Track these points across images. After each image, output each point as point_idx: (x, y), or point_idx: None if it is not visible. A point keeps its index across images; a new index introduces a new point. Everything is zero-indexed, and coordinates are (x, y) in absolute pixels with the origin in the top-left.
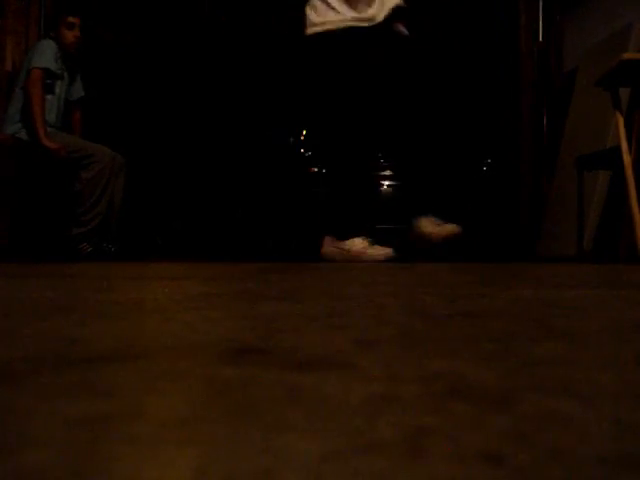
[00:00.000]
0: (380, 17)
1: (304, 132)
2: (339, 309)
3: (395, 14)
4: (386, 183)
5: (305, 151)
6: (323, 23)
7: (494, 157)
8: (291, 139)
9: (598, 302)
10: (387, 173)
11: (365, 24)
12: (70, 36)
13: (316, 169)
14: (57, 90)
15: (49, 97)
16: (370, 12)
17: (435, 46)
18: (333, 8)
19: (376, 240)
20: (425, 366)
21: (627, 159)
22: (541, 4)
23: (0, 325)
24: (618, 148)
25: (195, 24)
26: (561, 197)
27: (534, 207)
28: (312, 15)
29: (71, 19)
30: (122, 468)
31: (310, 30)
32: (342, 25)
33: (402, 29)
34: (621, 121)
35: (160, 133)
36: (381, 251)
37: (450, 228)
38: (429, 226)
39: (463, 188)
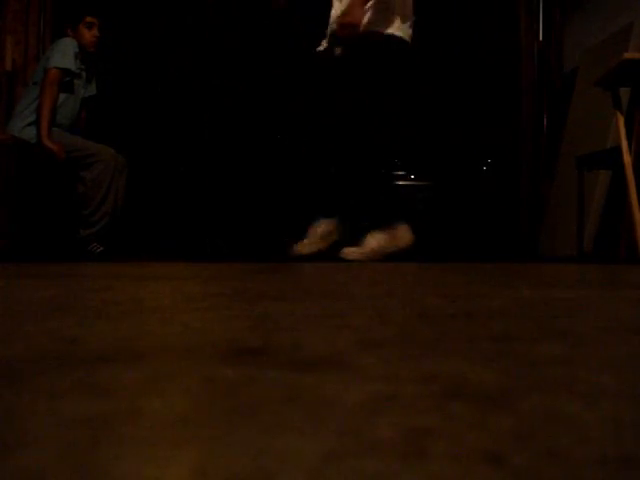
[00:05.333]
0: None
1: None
2: (339, 309)
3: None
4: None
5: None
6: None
7: (494, 157)
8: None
9: (598, 302)
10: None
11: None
12: (89, 35)
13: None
14: (75, 89)
15: (69, 97)
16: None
17: (435, 46)
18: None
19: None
20: (425, 366)
21: (627, 159)
22: (541, 4)
23: (0, 325)
24: (618, 148)
25: (198, 25)
26: (561, 197)
27: (534, 207)
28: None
29: (90, 19)
30: (122, 468)
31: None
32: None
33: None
34: (621, 121)
35: (161, 134)
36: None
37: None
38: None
39: (463, 188)
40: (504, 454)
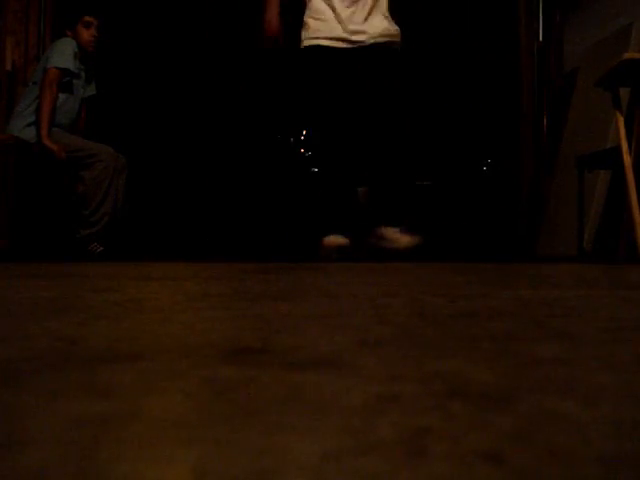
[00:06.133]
0: (366, 40)
1: (304, 132)
2: (339, 309)
3: (387, 51)
4: None
5: (305, 151)
6: (314, 38)
7: (494, 157)
8: (291, 139)
9: (598, 302)
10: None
11: (349, 45)
12: (87, 35)
13: (316, 169)
14: (75, 89)
15: (68, 97)
16: (358, 34)
17: (435, 46)
18: (324, 20)
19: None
20: (425, 366)
21: (627, 159)
22: (541, 4)
23: (0, 325)
24: (618, 148)
25: (197, 25)
26: (561, 197)
27: (534, 207)
28: (305, 30)
29: (88, 18)
30: (122, 468)
31: (304, 42)
32: (330, 44)
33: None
34: (621, 121)
35: (161, 134)
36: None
37: (409, 240)
38: (391, 234)
39: (463, 188)
40: (504, 454)
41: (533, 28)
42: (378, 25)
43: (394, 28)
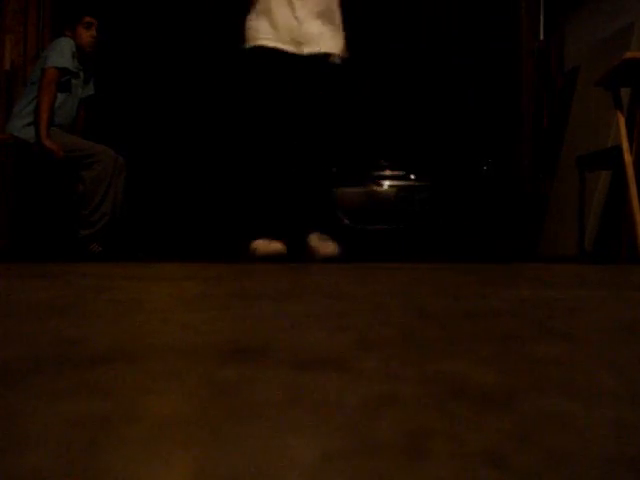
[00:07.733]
0: (304, 49)
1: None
2: (339, 309)
3: (328, 66)
4: (387, 183)
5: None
6: (256, 38)
7: (494, 157)
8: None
9: (598, 302)
10: (387, 173)
11: (290, 48)
12: (87, 36)
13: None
14: (73, 89)
15: (67, 96)
16: (292, 36)
17: (436, 45)
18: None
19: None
20: (425, 366)
21: (628, 158)
22: (542, 4)
23: (0, 325)
24: (619, 147)
25: (197, 26)
26: (562, 197)
27: (535, 207)
28: (250, 30)
29: (88, 19)
30: (122, 468)
31: (250, 43)
32: (269, 44)
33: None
34: (622, 120)
35: (160, 134)
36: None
37: (331, 248)
38: (315, 241)
39: (463, 188)
40: (504, 454)
41: (534, 27)
42: (320, 35)
43: (338, 42)
